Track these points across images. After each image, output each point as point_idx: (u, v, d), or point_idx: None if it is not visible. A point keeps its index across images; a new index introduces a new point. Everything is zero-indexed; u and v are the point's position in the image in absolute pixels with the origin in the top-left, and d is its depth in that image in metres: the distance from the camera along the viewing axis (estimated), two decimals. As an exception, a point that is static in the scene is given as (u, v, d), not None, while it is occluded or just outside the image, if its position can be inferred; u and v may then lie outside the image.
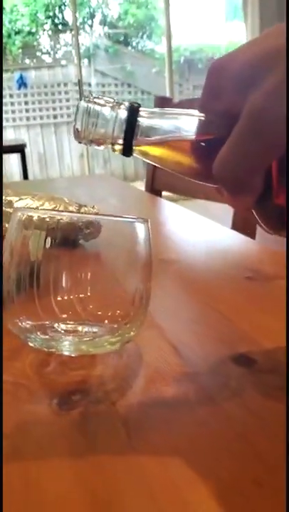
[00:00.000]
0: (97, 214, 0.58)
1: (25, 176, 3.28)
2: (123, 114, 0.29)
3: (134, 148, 0.30)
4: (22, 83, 5.34)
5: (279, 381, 0.31)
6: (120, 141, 0.30)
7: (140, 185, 1.59)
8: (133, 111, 0.29)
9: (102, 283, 0.36)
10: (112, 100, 0.30)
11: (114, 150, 0.31)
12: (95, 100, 0.30)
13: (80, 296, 0.35)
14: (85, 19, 5.75)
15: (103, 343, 0.34)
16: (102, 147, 0.31)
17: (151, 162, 0.31)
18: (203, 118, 0.29)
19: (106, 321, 0.35)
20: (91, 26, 5.85)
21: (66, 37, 5.68)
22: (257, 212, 0.29)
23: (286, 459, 0.23)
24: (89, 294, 0.35)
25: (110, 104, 0.30)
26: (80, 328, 0.35)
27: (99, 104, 0.30)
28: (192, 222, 0.79)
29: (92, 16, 5.83)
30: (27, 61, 5.56)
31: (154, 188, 1.26)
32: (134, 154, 0.31)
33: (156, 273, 0.35)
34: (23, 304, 0.33)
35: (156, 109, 0.30)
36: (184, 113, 0.31)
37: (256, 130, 0.25)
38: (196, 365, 0.33)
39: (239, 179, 0.26)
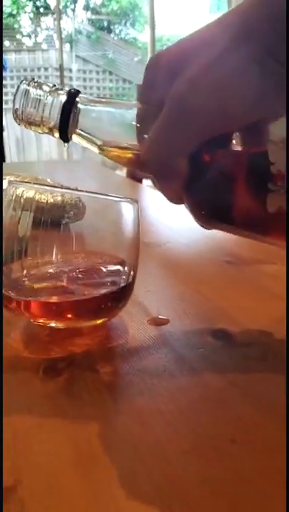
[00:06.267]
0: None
1: (3, 159, 3.23)
2: (61, 98, 0.30)
3: (71, 134, 0.30)
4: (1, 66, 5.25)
5: (255, 353, 0.33)
6: (57, 126, 0.30)
7: (120, 174, 1.60)
8: (71, 96, 0.30)
9: (89, 260, 0.38)
10: (52, 85, 0.31)
11: (53, 135, 0.31)
12: (36, 84, 0.30)
13: (69, 272, 0.37)
14: (68, 3, 5.67)
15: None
16: (40, 131, 0.31)
17: (90, 149, 0.32)
18: (140, 108, 0.30)
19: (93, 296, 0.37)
20: (74, 11, 5.78)
21: (48, 21, 5.60)
22: (188, 206, 0.31)
23: (286, 451, 0.24)
24: (77, 270, 0.37)
25: (49, 89, 0.30)
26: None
27: (39, 88, 0.30)
28: (173, 208, 0.80)
29: (74, 1, 5.75)
30: (7, 43, 5.46)
31: (135, 176, 1.27)
32: (74, 141, 0.31)
33: (139, 255, 0.36)
34: (10, 274, 0.35)
35: (96, 98, 0.31)
36: (122, 103, 0.31)
37: (176, 116, 0.26)
38: (177, 338, 0.35)
39: (162, 163, 0.28)
